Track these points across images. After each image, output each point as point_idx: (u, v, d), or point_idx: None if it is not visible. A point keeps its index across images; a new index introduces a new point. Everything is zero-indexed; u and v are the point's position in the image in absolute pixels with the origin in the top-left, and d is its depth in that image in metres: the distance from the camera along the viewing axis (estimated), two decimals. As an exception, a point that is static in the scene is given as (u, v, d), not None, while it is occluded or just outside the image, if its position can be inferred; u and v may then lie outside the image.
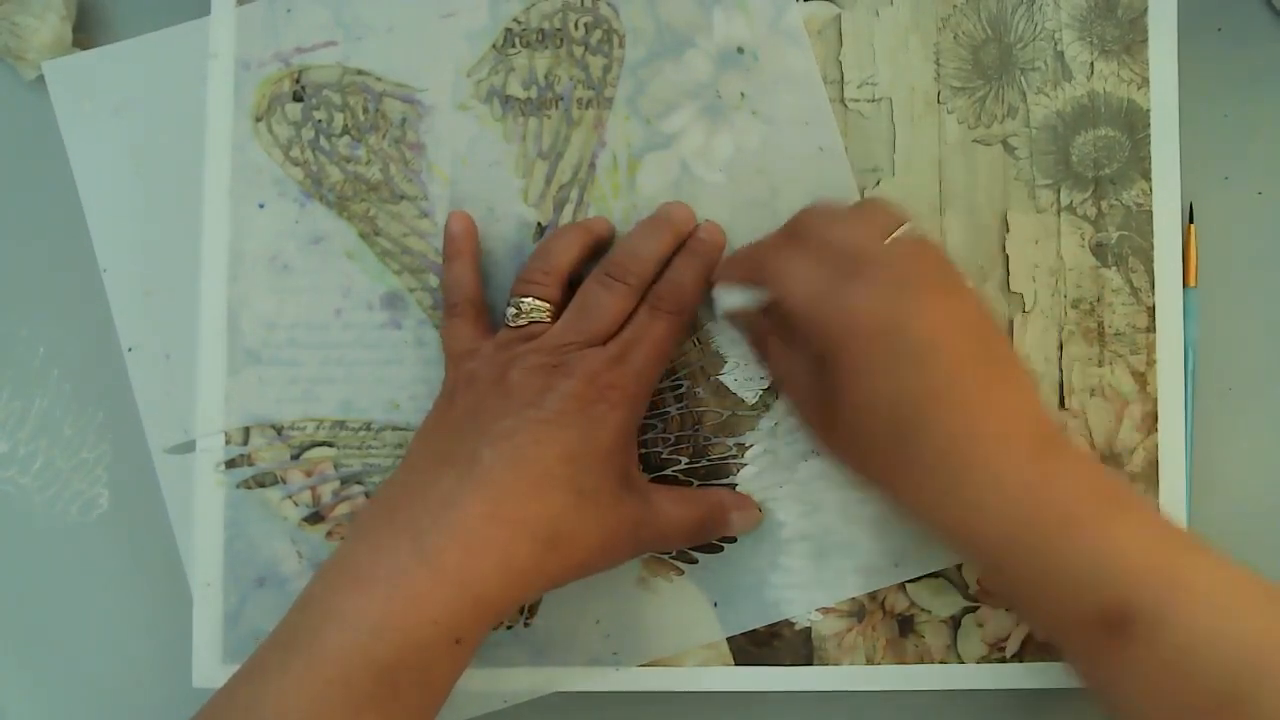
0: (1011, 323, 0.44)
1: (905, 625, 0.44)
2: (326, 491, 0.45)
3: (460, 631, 0.37)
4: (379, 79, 0.46)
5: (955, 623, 0.44)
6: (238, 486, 0.45)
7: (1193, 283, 0.45)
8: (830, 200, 0.42)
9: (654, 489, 0.43)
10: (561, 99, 0.45)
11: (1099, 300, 0.44)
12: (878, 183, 0.45)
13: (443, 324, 0.44)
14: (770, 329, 0.42)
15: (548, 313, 0.42)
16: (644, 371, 0.41)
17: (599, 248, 0.44)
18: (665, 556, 0.45)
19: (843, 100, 0.45)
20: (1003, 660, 0.44)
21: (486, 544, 0.38)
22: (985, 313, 0.40)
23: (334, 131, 0.46)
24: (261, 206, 0.46)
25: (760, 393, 0.44)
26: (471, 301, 0.43)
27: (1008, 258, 0.44)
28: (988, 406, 0.37)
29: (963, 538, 0.38)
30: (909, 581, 0.44)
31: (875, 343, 0.37)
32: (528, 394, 0.40)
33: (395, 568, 0.37)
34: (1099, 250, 0.44)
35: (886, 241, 0.39)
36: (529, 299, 0.42)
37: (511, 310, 0.42)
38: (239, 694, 0.37)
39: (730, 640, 0.44)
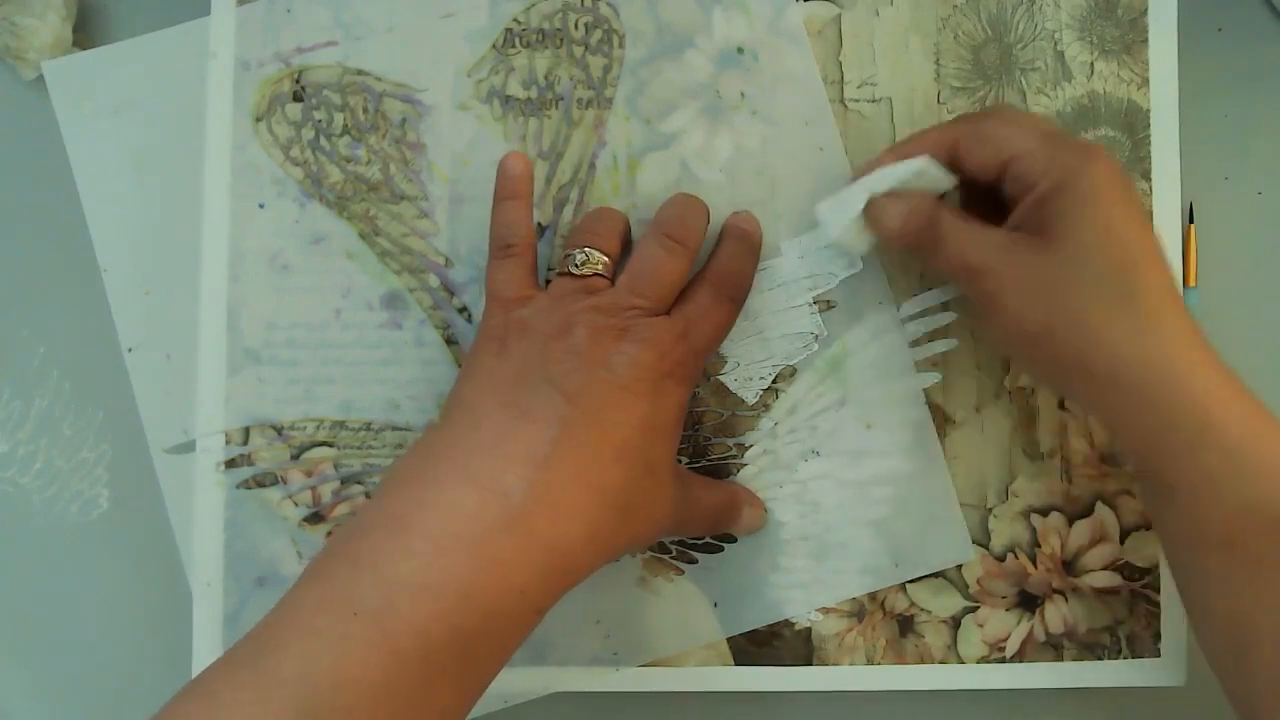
0: (1011, 323, 0.44)
1: (905, 625, 0.44)
2: (326, 491, 0.45)
3: (544, 600, 0.36)
4: (379, 79, 0.46)
5: (955, 623, 0.44)
6: (238, 486, 0.45)
7: (1193, 283, 0.45)
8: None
9: (688, 471, 0.43)
10: (561, 99, 0.45)
11: (1099, 300, 0.44)
12: (878, 183, 0.45)
13: (490, 263, 0.42)
14: (942, 210, 0.40)
15: (607, 268, 0.41)
16: (702, 352, 0.41)
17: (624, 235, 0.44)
18: (665, 556, 0.45)
19: (843, 100, 0.45)
20: (1003, 660, 0.44)
21: (573, 509, 0.36)
22: None
23: (334, 131, 0.46)
24: (261, 206, 0.46)
25: (760, 393, 0.44)
26: (528, 245, 0.42)
27: (1008, 258, 0.44)
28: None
29: (1170, 384, 0.37)
30: (909, 581, 0.44)
31: (1117, 173, 0.38)
32: (597, 354, 0.38)
33: (482, 531, 0.35)
34: (1099, 250, 0.44)
35: None
36: (590, 249, 0.41)
37: (580, 256, 0.41)
38: (283, 662, 0.33)
39: (730, 640, 0.44)
